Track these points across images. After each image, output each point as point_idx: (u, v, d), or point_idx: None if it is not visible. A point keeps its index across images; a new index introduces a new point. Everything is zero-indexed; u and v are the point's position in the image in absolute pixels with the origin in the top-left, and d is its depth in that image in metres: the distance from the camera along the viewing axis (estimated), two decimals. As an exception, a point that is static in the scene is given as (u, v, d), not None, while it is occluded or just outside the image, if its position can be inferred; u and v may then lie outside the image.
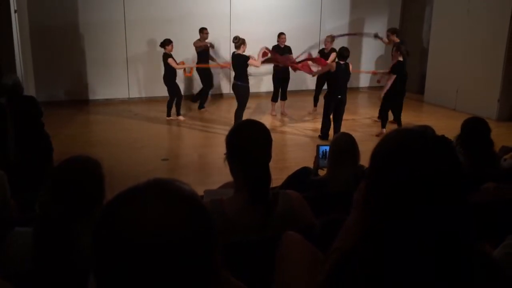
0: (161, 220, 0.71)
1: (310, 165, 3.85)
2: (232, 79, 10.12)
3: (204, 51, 8.80)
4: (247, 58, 7.16)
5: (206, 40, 8.86)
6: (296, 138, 7.42)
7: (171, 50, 7.83)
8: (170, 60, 7.76)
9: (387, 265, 0.93)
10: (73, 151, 2.06)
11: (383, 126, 7.63)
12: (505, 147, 3.85)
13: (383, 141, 1.01)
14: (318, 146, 3.57)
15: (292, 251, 1.54)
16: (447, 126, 3.64)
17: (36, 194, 1.89)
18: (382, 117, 7.72)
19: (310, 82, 9.42)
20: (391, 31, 8.47)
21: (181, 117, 8.14)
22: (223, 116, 8.63)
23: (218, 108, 9.49)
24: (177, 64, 7.92)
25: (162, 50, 7.86)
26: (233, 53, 7.25)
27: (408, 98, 10.72)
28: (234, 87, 7.35)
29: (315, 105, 9.04)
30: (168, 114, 8.11)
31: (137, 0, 9.43)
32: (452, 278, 0.92)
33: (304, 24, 10.56)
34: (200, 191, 3.06)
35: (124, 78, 9.75)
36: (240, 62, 7.12)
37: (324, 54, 8.63)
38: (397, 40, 8.20)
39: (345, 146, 2.95)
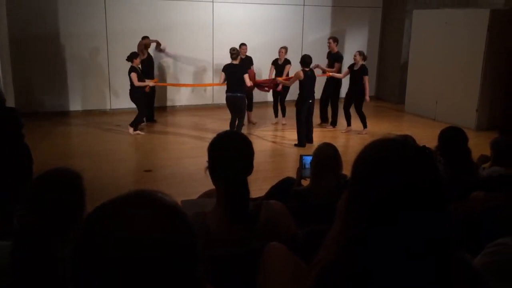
0: (142, 232, 0.70)
1: (293, 175, 3.86)
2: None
3: (148, 64, 8.55)
4: (246, 70, 7.25)
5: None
6: (278, 148, 7.44)
7: (138, 64, 7.73)
8: (133, 75, 7.59)
9: (371, 273, 0.94)
10: (53, 163, 2.04)
11: (365, 125, 8.25)
12: (483, 156, 3.92)
13: (364, 151, 1.02)
14: (301, 156, 3.59)
15: (275, 262, 1.54)
16: (428, 136, 3.69)
17: (15, 207, 1.85)
18: (362, 117, 8.25)
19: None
20: (333, 39, 8.73)
21: (136, 131, 7.85)
22: (205, 126, 8.62)
23: (200, 119, 9.46)
24: (139, 81, 7.67)
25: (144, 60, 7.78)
26: (230, 63, 7.20)
27: (389, 108, 10.95)
28: (234, 99, 7.18)
29: (276, 115, 9.09)
30: (133, 126, 7.88)
31: (119, 11, 9.40)
32: (436, 284, 0.93)
33: (286, 36, 10.66)
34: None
35: (105, 89, 9.68)
36: (239, 73, 7.14)
37: (278, 65, 8.77)
38: (336, 49, 8.62)
39: (327, 156, 2.97)
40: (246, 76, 7.18)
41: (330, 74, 8.57)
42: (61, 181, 1.84)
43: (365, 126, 8.30)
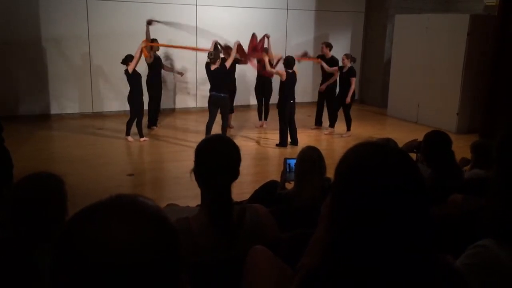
0: (123, 238, 0.69)
1: (277, 178, 3.86)
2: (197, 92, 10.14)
3: (156, 61, 8.34)
4: (227, 70, 7.28)
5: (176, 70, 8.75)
6: (262, 151, 7.45)
7: (133, 68, 7.42)
8: (129, 66, 7.25)
9: (355, 276, 0.94)
10: (34, 167, 2.00)
11: (349, 128, 8.45)
12: (464, 159, 3.97)
13: (347, 154, 1.03)
14: (285, 160, 3.59)
15: (259, 266, 1.53)
16: (410, 139, 3.73)
17: (-6, 212, 1.81)
18: (348, 120, 8.44)
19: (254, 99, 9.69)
20: (325, 44, 8.74)
21: (142, 139, 7.68)
22: (190, 129, 8.59)
23: (184, 122, 9.43)
24: (137, 55, 7.39)
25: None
26: (214, 68, 7.11)
27: (372, 112, 11.06)
28: (218, 98, 7.13)
29: (261, 118, 9.13)
30: (127, 133, 7.65)
31: (101, 14, 9.32)
32: (419, 285, 0.94)
33: (270, 39, 10.67)
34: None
35: (88, 92, 9.58)
36: (225, 75, 7.20)
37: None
38: (329, 53, 8.63)
39: (311, 159, 2.98)
40: (228, 63, 7.16)
41: (320, 62, 8.56)
42: (43, 186, 1.81)
43: (348, 129, 8.44)
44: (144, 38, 7.94)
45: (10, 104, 8.86)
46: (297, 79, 7.63)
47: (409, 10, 10.81)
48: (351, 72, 8.15)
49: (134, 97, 7.52)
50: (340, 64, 8.39)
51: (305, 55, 9.03)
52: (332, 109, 8.58)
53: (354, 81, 8.14)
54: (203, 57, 8.88)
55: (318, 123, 9.01)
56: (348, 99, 8.15)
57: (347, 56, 8.23)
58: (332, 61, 8.59)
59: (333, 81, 8.51)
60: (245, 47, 8.12)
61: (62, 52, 9.15)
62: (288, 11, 11.07)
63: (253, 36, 8.31)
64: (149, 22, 8.22)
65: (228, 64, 7.19)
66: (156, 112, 8.73)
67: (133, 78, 7.41)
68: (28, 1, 8.75)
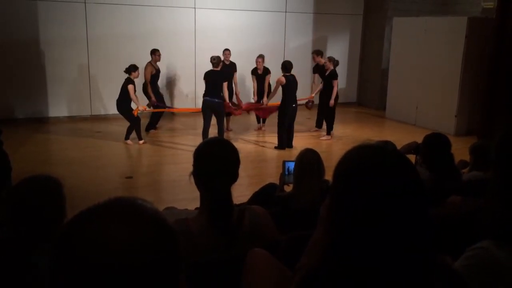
0: (122, 239, 0.68)
1: (276, 180, 3.87)
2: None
3: (155, 75, 8.39)
4: (226, 77, 7.34)
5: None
6: (261, 154, 7.45)
7: (136, 77, 7.46)
8: (130, 87, 7.33)
9: (354, 278, 0.94)
10: (33, 170, 2.00)
11: (332, 129, 8.46)
12: (463, 161, 3.98)
13: (345, 157, 1.03)
14: (284, 162, 3.60)
15: (258, 268, 1.53)
16: (408, 141, 3.73)
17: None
18: (331, 122, 8.42)
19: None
20: (316, 53, 8.78)
21: (141, 142, 7.68)
22: (188, 132, 8.58)
23: (182, 125, 9.42)
24: (136, 97, 7.44)
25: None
26: (211, 70, 7.16)
27: (371, 114, 11.07)
28: (212, 103, 7.14)
29: (259, 121, 9.16)
30: (127, 138, 7.66)
31: (100, 16, 9.32)
32: (418, 286, 0.94)
33: (268, 42, 10.70)
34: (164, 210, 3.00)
35: (86, 95, 9.57)
36: (219, 79, 7.20)
37: (258, 75, 8.74)
38: (322, 60, 8.65)
39: (310, 162, 2.99)
40: (225, 85, 7.22)
41: (313, 95, 8.83)
42: (41, 188, 1.81)
43: (328, 132, 8.45)
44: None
45: (8, 106, 8.85)
46: (297, 82, 7.59)
47: (407, 12, 10.84)
48: (332, 75, 8.21)
49: (122, 105, 7.52)
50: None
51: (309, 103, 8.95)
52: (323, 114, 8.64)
53: (336, 83, 8.20)
54: (202, 59, 8.91)
55: (319, 125, 9.03)
56: (332, 102, 8.18)
57: (329, 59, 8.32)
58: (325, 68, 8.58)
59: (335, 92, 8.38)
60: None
61: (61, 54, 9.15)
62: (286, 14, 11.09)
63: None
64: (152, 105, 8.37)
65: (225, 88, 7.28)
66: (157, 117, 8.74)
67: (125, 90, 7.43)
68: (26, 4, 8.75)
